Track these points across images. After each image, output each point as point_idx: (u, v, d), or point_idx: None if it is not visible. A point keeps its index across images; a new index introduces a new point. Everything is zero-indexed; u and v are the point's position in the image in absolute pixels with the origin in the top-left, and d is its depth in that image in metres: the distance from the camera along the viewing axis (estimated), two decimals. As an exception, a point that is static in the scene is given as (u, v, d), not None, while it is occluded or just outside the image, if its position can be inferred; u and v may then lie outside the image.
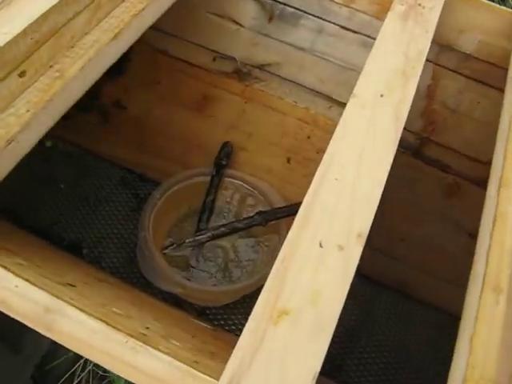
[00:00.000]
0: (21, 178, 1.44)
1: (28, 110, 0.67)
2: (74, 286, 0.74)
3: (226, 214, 1.32)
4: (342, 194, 0.65)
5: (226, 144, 1.27)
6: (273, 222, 1.24)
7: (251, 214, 1.24)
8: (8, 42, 0.63)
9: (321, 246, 0.61)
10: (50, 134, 1.56)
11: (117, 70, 1.36)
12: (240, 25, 1.26)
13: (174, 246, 1.19)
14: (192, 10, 1.27)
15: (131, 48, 1.38)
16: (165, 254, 1.19)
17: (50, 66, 0.72)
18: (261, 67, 1.30)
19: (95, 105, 1.44)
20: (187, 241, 1.20)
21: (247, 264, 1.24)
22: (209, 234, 1.21)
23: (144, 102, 1.40)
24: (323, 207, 0.64)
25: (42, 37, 0.68)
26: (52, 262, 0.89)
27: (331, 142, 0.71)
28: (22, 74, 0.67)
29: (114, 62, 0.79)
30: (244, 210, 1.31)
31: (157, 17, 0.87)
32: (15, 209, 1.38)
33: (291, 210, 1.25)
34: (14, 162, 0.66)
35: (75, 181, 1.46)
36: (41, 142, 1.43)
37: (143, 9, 0.82)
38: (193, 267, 1.22)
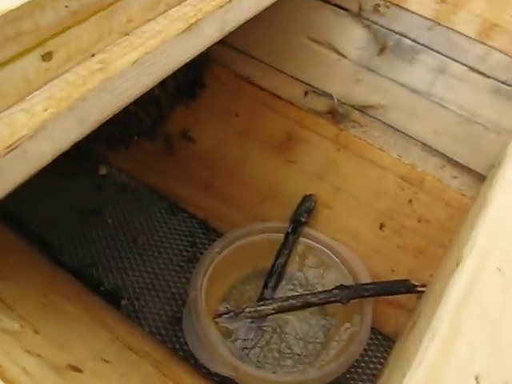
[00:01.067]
0: (64, 207, 1.26)
1: (46, 109, 0.45)
2: (79, 370, 0.51)
3: (296, 283, 1.06)
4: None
5: (308, 197, 1.05)
6: (355, 301, 0.98)
7: (330, 288, 0.98)
8: (29, 2, 0.42)
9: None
10: (106, 160, 1.36)
11: (189, 94, 1.16)
12: (342, 55, 1.04)
13: (231, 314, 0.95)
14: (286, 32, 1.07)
15: (207, 69, 1.19)
16: (217, 322, 0.94)
17: (92, 55, 0.50)
18: (362, 109, 1.07)
19: (160, 132, 1.24)
20: (247, 310, 0.95)
21: (314, 349, 0.98)
22: (274, 306, 0.96)
23: (216, 136, 1.20)
24: (482, 315, 0.38)
25: (83, 9, 0.47)
26: (66, 321, 0.66)
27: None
28: (46, 57, 0.46)
29: (181, 65, 0.57)
30: (320, 281, 1.06)
31: (247, 16, 0.65)
32: (51, 241, 1.18)
33: (380, 289, 0.99)
34: (12, 182, 0.44)
35: (125, 217, 1.25)
36: (94, 168, 1.24)
37: (230, 1, 0.60)
38: (248, 345, 0.97)
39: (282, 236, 1.06)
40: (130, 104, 1.08)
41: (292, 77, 1.10)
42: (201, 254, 1.14)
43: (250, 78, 1.14)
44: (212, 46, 0.59)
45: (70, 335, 0.65)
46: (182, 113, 1.22)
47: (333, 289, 0.98)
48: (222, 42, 0.70)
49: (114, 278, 1.15)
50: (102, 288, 1.12)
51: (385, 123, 1.06)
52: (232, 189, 1.18)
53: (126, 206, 1.29)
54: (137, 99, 1.08)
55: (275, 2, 0.72)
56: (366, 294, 0.98)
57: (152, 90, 1.07)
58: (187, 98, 1.20)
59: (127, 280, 1.15)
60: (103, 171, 1.33)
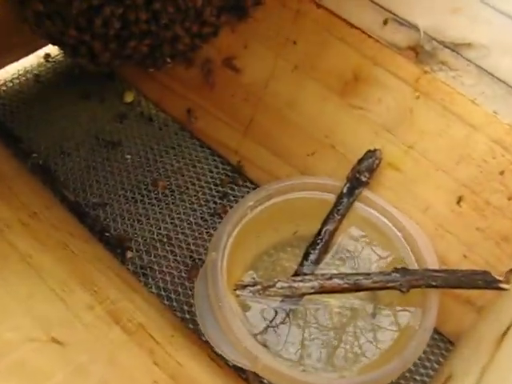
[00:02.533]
0: (78, 133, 1.07)
1: None
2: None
3: (345, 258, 0.85)
4: None
5: (371, 153, 0.84)
6: (417, 290, 0.76)
7: (387, 270, 0.76)
8: None
9: None
10: (133, 86, 1.12)
11: (239, 11, 0.95)
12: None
13: (257, 287, 0.74)
14: None
15: None
16: (238, 295, 0.74)
17: None
18: (455, 48, 0.84)
19: (199, 57, 1.02)
20: (279, 285, 0.74)
21: (358, 346, 0.77)
22: (314, 284, 0.74)
23: (266, 67, 0.98)
24: None
25: None
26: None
27: None
28: None
29: None
30: (376, 260, 0.84)
31: None
32: (56, 171, 0.99)
33: (452, 280, 0.76)
34: None
35: (147, 155, 1.06)
36: (119, 93, 1.03)
37: None
38: (273, 327, 0.76)
39: (333, 197, 0.87)
40: (163, 13, 0.87)
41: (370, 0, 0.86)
42: (231, 207, 0.96)
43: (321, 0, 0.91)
44: None
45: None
46: (227, 35, 1.01)
47: (392, 271, 0.76)
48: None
49: (124, 225, 0.96)
50: (106, 234, 0.92)
51: (483, 68, 0.83)
52: (278, 133, 0.99)
53: (149, 141, 1.09)
54: (174, 8, 0.87)
55: None
56: (434, 283, 0.76)
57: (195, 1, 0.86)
58: (237, 15, 0.97)
59: (138, 228, 0.95)
60: (129, 98, 1.14)
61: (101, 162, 1.04)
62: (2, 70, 1.11)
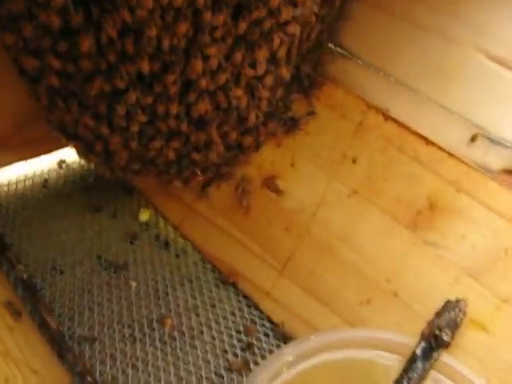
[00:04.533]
0: (79, 249, 0.90)
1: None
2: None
3: None
4: None
5: (453, 303, 0.66)
6: None
7: None
8: None
9: None
10: (151, 202, 0.94)
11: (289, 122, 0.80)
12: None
13: None
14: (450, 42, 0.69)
15: (321, 88, 0.83)
16: None
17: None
18: None
19: (235, 172, 0.87)
20: None
21: None
22: None
23: (316, 190, 0.83)
24: None
25: None
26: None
27: None
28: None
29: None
30: None
31: None
32: (42, 293, 0.80)
33: None
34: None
35: (157, 285, 0.89)
36: (134, 209, 0.90)
37: None
38: None
39: (401, 360, 0.64)
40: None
41: (452, 111, 0.73)
42: (256, 363, 0.78)
43: (388, 110, 0.75)
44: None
45: None
46: (271, 149, 0.88)
47: None
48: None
49: (113, 368, 0.76)
50: (88, 378, 0.69)
51: None
52: (324, 273, 0.82)
53: (162, 269, 0.92)
54: (212, 105, 0.72)
55: None
56: None
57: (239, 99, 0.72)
58: (285, 126, 0.82)
59: (132, 376, 0.74)
60: (144, 216, 0.98)
61: (99, 286, 0.86)
62: (8, 167, 0.96)
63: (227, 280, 0.89)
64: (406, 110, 0.75)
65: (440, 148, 0.72)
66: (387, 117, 0.76)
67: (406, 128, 0.75)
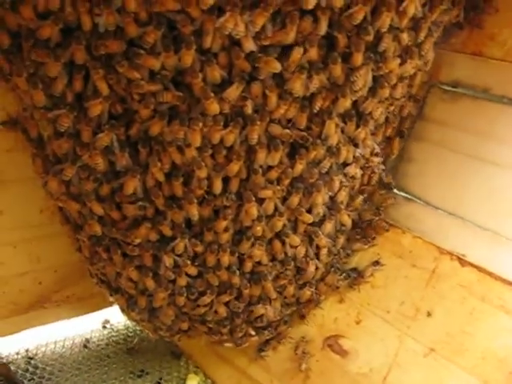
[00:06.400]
0: None
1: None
2: None
3: None
4: None
5: None
6: None
7: None
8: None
9: None
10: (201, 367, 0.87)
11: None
12: None
13: None
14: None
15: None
16: None
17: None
18: None
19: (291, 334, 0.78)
20: None
21: None
22: None
23: (385, 350, 0.71)
24: None
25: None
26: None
27: None
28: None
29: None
30: None
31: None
32: None
33: None
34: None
35: None
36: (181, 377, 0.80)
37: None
38: None
39: None
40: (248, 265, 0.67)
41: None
42: None
43: (464, 256, 0.68)
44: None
45: None
46: (334, 304, 0.80)
47: None
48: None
49: None
50: None
51: None
52: None
53: None
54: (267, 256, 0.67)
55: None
56: None
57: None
58: (348, 277, 0.75)
59: None
60: (193, 383, 0.86)
61: None
62: (46, 326, 0.90)
63: None
64: (485, 253, 0.67)
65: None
66: (464, 262, 0.68)
67: (489, 273, 0.66)
